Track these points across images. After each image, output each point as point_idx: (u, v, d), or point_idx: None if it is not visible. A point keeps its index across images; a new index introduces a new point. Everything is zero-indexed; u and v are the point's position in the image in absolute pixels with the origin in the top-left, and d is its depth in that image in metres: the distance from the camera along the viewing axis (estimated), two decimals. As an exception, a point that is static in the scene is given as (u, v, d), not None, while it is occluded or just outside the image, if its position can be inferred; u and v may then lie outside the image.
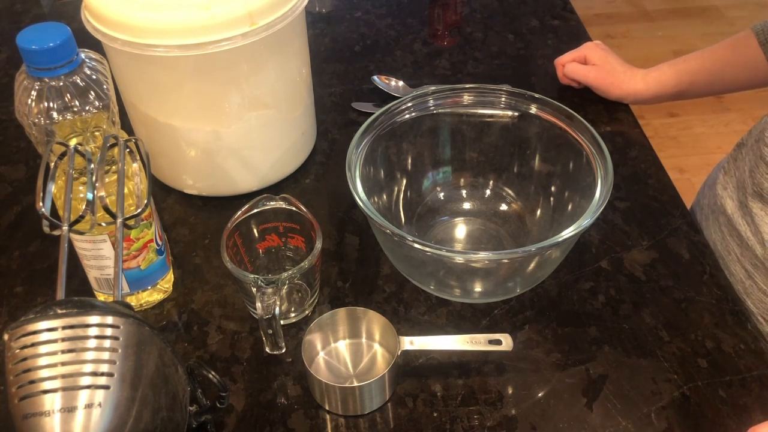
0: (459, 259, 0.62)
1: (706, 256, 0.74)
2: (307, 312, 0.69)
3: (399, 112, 0.72)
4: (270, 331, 0.60)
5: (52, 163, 0.52)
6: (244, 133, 0.74)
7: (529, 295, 0.70)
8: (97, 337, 0.43)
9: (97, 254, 0.63)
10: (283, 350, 0.63)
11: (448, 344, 0.62)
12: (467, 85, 0.74)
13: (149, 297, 0.69)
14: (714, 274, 0.72)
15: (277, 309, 0.58)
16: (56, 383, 0.41)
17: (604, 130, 0.89)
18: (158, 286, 0.69)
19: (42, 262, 0.75)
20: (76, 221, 0.51)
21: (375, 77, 0.96)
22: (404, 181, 0.76)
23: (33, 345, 0.42)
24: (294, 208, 0.67)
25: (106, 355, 0.43)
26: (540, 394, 0.62)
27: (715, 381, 0.63)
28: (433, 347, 0.62)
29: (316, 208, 0.80)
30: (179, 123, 0.73)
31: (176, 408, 0.47)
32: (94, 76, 0.58)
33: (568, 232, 0.60)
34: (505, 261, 0.62)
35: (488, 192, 0.78)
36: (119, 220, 0.52)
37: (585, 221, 0.60)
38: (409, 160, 0.76)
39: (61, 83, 0.56)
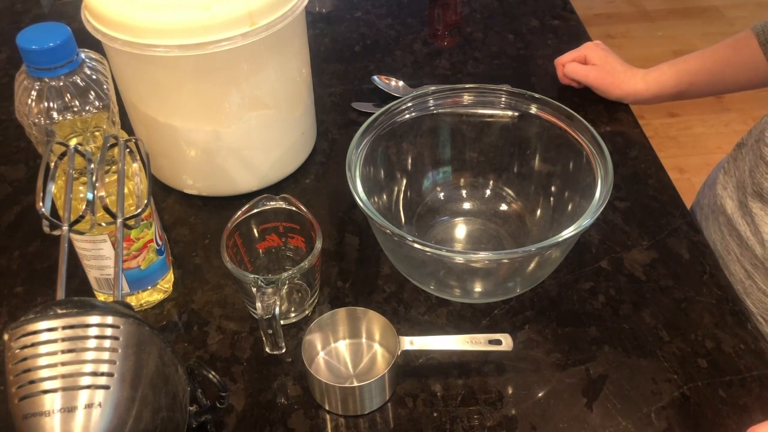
0: (459, 259, 0.62)
1: (706, 256, 0.74)
2: (307, 312, 0.69)
3: (399, 112, 0.72)
4: (270, 331, 0.60)
5: (52, 163, 0.52)
6: (244, 133, 0.74)
7: (529, 295, 0.70)
8: (97, 337, 0.43)
9: (97, 254, 0.63)
10: (283, 350, 0.63)
11: (448, 344, 0.62)
12: (467, 85, 0.74)
13: (149, 297, 0.69)
14: (714, 274, 0.72)
15: (277, 309, 0.58)
16: (56, 383, 0.41)
17: (604, 130, 0.89)
18: (158, 286, 0.69)
19: (42, 262, 0.75)
20: (76, 221, 0.51)
21: (375, 77, 0.96)
22: (404, 181, 0.76)
23: (33, 345, 0.42)
24: (294, 208, 0.67)
25: (106, 355, 0.43)
26: (540, 394, 0.62)
27: (715, 381, 0.63)
28: (433, 347, 0.62)
29: (316, 208, 0.80)
30: (179, 123, 0.73)
31: (176, 408, 0.47)
32: (94, 76, 0.58)
33: (568, 232, 0.60)
34: (505, 261, 0.62)
35: (488, 192, 0.78)
36: (119, 220, 0.52)
37: (585, 221, 0.60)
38: (409, 160, 0.76)
39: (61, 83, 0.56)
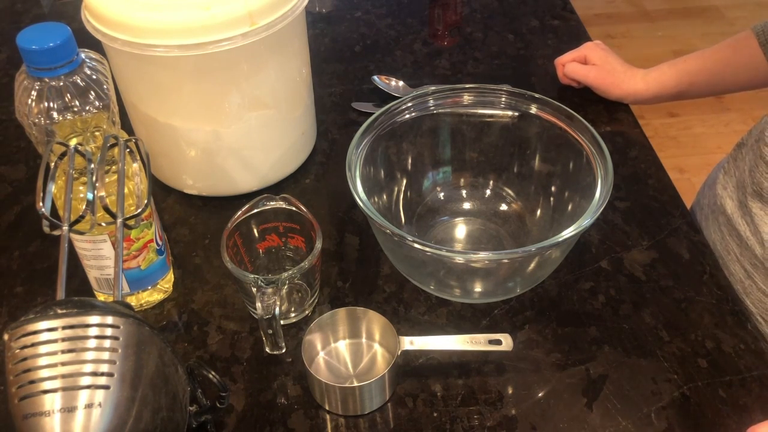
0: (459, 259, 0.62)
1: (706, 256, 0.74)
2: (307, 312, 0.69)
3: (399, 112, 0.72)
4: (270, 331, 0.60)
5: (52, 163, 0.52)
6: (244, 133, 0.74)
7: (529, 295, 0.70)
8: (97, 337, 0.43)
9: (97, 254, 0.63)
10: (283, 350, 0.63)
11: (448, 344, 0.62)
12: (467, 85, 0.74)
13: (149, 297, 0.69)
14: (714, 274, 0.72)
15: (277, 309, 0.58)
16: (56, 383, 0.41)
17: (604, 130, 0.89)
18: (158, 286, 0.69)
19: (42, 262, 0.75)
20: (76, 221, 0.51)
21: (375, 77, 0.96)
22: (404, 181, 0.76)
23: (33, 345, 0.42)
24: (294, 208, 0.67)
25: (106, 355, 0.43)
26: (540, 394, 0.62)
27: (715, 381, 0.63)
28: (433, 347, 0.62)
29: (316, 208, 0.80)
30: (179, 123, 0.73)
31: (176, 408, 0.47)
32: (94, 76, 0.58)
33: (568, 232, 0.60)
34: (505, 261, 0.62)
35: (488, 192, 0.78)
36: (119, 220, 0.52)
37: (585, 221, 0.60)
38: (409, 160, 0.76)
39: (61, 83, 0.56)
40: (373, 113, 0.71)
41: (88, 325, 0.43)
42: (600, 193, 0.63)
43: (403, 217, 0.75)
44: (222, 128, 0.73)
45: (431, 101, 0.74)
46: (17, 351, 0.42)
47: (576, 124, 0.69)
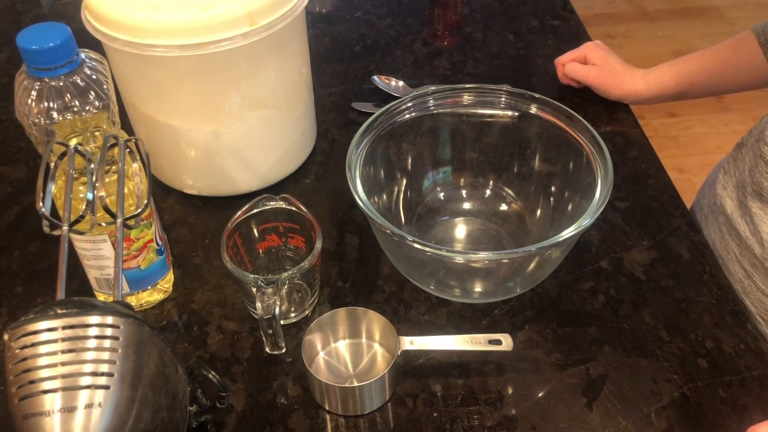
0: (459, 259, 0.62)
1: (706, 256, 0.74)
2: (307, 312, 0.69)
3: (399, 112, 0.72)
4: (270, 331, 0.60)
5: (52, 163, 0.52)
6: (244, 133, 0.74)
7: (529, 295, 0.70)
8: (97, 337, 0.43)
9: (97, 254, 0.63)
10: (283, 350, 0.63)
11: (448, 344, 0.62)
12: (467, 85, 0.74)
13: (149, 297, 0.69)
14: (714, 274, 0.72)
15: (277, 309, 0.58)
16: (56, 383, 0.41)
17: (604, 130, 0.89)
18: (158, 286, 0.69)
19: (42, 262, 0.75)
20: (76, 221, 0.51)
21: (375, 77, 0.96)
22: (404, 181, 0.76)
23: (33, 345, 0.42)
24: (294, 208, 0.67)
25: (106, 355, 0.43)
26: (540, 394, 0.62)
27: (715, 381, 0.63)
28: (433, 347, 0.62)
29: (316, 208, 0.80)
30: (179, 123, 0.73)
31: (176, 408, 0.47)
32: (94, 76, 0.58)
33: (568, 232, 0.60)
34: (505, 261, 0.62)
35: (488, 192, 0.78)
36: (119, 220, 0.52)
37: (585, 221, 0.60)
38: (409, 160, 0.76)
39: (61, 83, 0.56)
40: (373, 113, 0.71)
41: (88, 325, 0.43)
42: (600, 193, 0.63)
43: (403, 217, 0.75)
44: (222, 128, 0.73)
45: (431, 101, 0.74)
46: (17, 351, 0.42)
47: (576, 124, 0.69)
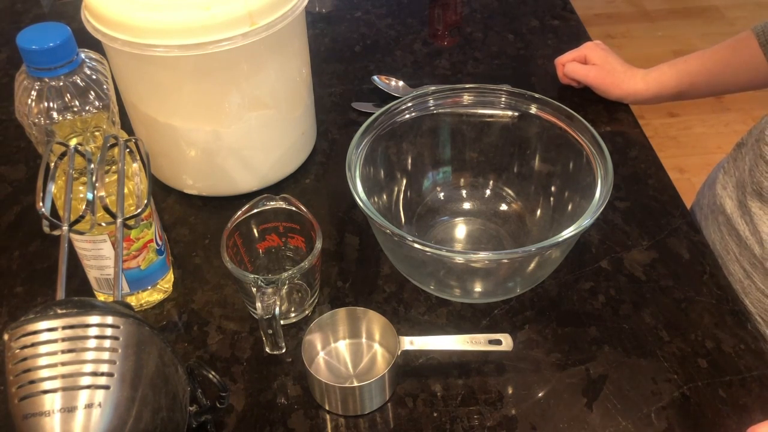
0: (459, 259, 0.62)
1: (706, 256, 0.74)
2: (307, 312, 0.69)
3: (399, 112, 0.72)
4: (270, 331, 0.60)
5: (52, 163, 0.52)
6: (244, 133, 0.74)
7: (529, 295, 0.70)
8: (97, 337, 0.43)
9: (97, 254, 0.63)
10: (283, 350, 0.63)
11: (448, 344, 0.62)
12: (467, 85, 0.74)
13: (149, 297, 0.69)
14: (714, 274, 0.72)
15: (277, 309, 0.58)
16: (56, 383, 0.41)
17: (604, 130, 0.89)
18: (158, 286, 0.69)
19: (42, 262, 0.75)
20: (76, 221, 0.51)
21: (375, 77, 0.96)
22: (404, 181, 0.76)
23: (33, 345, 0.42)
24: (294, 208, 0.67)
25: (106, 355, 0.43)
26: (540, 394, 0.62)
27: (715, 381, 0.63)
28: (433, 347, 0.62)
29: (316, 208, 0.80)
30: (179, 123, 0.73)
31: (176, 408, 0.47)
32: (94, 76, 0.58)
33: (568, 232, 0.60)
34: (505, 261, 0.62)
35: (488, 192, 0.78)
36: (119, 220, 0.52)
37: (585, 221, 0.60)
38: (409, 160, 0.76)
39: (61, 83, 0.56)
40: (373, 113, 0.71)
41: (88, 325, 0.43)
42: (600, 193, 0.63)
43: (403, 217, 0.75)
44: (222, 128, 0.73)
45: (431, 101, 0.74)
46: (17, 351, 0.42)
47: (576, 124, 0.69)
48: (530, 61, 1.02)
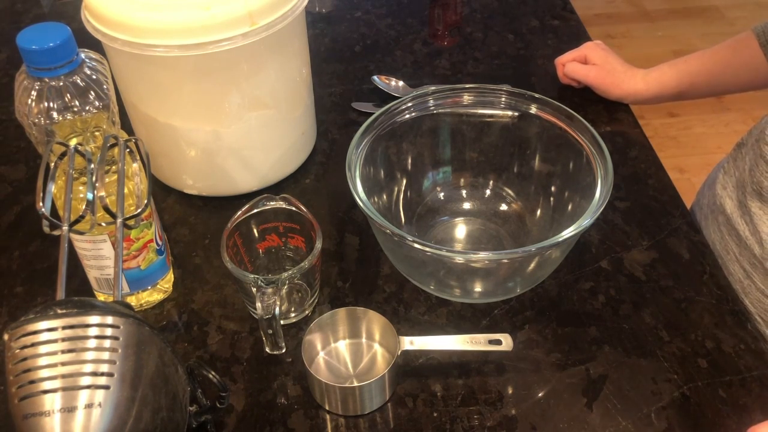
0: (459, 259, 0.62)
1: (706, 256, 0.74)
2: (307, 312, 0.69)
3: (399, 112, 0.72)
4: (270, 331, 0.60)
5: (52, 163, 0.52)
6: (244, 133, 0.74)
7: (529, 295, 0.70)
8: (97, 337, 0.43)
9: (97, 254, 0.63)
10: (283, 350, 0.63)
11: (448, 344, 0.62)
12: (467, 85, 0.74)
13: (149, 297, 0.69)
14: (714, 274, 0.72)
15: (277, 309, 0.58)
16: (56, 383, 0.41)
17: (604, 130, 0.89)
18: (158, 286, 0.69)
19: (42, 262, 0.75)
20: (76, 221, 0.51)
21: (375, 77, 0.96)
22: (404, 181, 0.76)
23: (33, 345, 0.42)
24: (294, 208, 0.67)
25: (106, 355, 0.43)
26: (540, 394, 0.62)
27: (715, 381, 0.63)
28: (433, 347, 0.62)
29: (316, 208, 0.80)
30: (179, 123, 0.73)
31: (176, 408, 0.47)
32: (94, 76, 0.58)
33: (568, 232, 0.60)
34: (505, 261, 0.62)
35: (488, 192, 0.78)
36: (119, 220, 0.52)
37: (585, 221, 0.60)
38: (409, 160, 0.76)
39: (61, 83, 0.56)
40: (373, 113, 0.71)
41: (88, 325, 0.43)
42: (600, 193, 0.63)
43: (403, 217, 0.75)
44: (222, 128, 0.73)
45: (431, 101, 0.74)
46: (17, 351, 0.42)
47: (576, 124, 0.69)
48: (530, 61, 1.02)
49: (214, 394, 0.56)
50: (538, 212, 0.75)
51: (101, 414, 0.41)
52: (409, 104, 0.73)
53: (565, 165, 0.71)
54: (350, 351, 0.65)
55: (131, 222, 0.54)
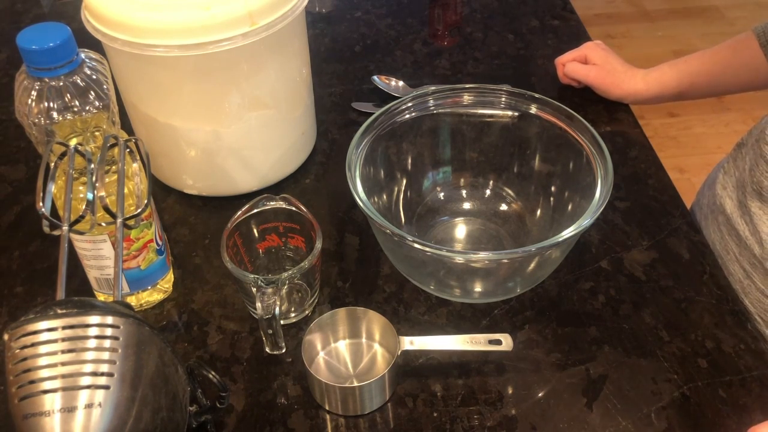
0: (459, 259, 0.62)
1: (706, 256, 0.74)
2: (307, 312, 0.69)
3: (399, 112, 0.72)
4: (270, 331, 0.60)
5: (52, 163, 0.52)
6: (244, 133, 0.74)
7: (529, 295, 0.70)
8: (97, 337, 0.43)
9: (97, 254, 0.63)
10: (283, 350, 0.63)
11: (448, 344, 0.62)
12: (467, 85, 0.74)
13: (149, 297, 0.69)
14: (714, 274, 0.72)
15: (277, 309, 0.58)
16: (56, 383, 0.41)
17: (604, 130, 0.89)
18: (158, 286, 0.69)
19: (42, 262, 0.75)
20: (76, 221, 0.51)
21: (375, 77, 0.96)
22: (404, 181, 0.76)
23: (33, 345, 0.42)
24: (294, 208, 0.67)
25: (106, 355, 0.43)
26: (540, 394, 0.62)
27: (715, 381, 0.63)
28: (433, 347, 0.62)
29: (316, 208, 0.80)
30: (179, 123, 0.73)
31: (176, 408, 0.47)
32: (94, 76, 0.58)
33: (568, 232, 0.60)
34: (505, 261, 0.62)
35: (488, 192, 0.78)
36: (119, 220, 0.52)
37: (585, 221, 0.60)
38: (409, 160, 0.76)
39: (61, 83, 0.56)
40: (373, 113, 0.71)
41: (88, 325, 0.43)
42: (600, 193, 0.63)
43: (403, 217, 0.75)
44: (222, 128, 0.73)
45: (431, 101, 0.74)
46: (17, 351, 0.42)
47: (576, 124, 0.69)
48: (530, 61, 1.02)
49: (214, 394, 0.56)
50: (538, 212, 0.75)
51: (101, 414, 0.41)
52: (409, 104, 0.73)
53: (565, 165, 0.71)
54: (350, 351, 0.65)
55: (131, 222, 0.54)
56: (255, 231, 0.68)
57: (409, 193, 0.76)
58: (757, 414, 0.61)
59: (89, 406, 0.41)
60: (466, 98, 0.74)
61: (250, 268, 0.69)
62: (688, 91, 0.88)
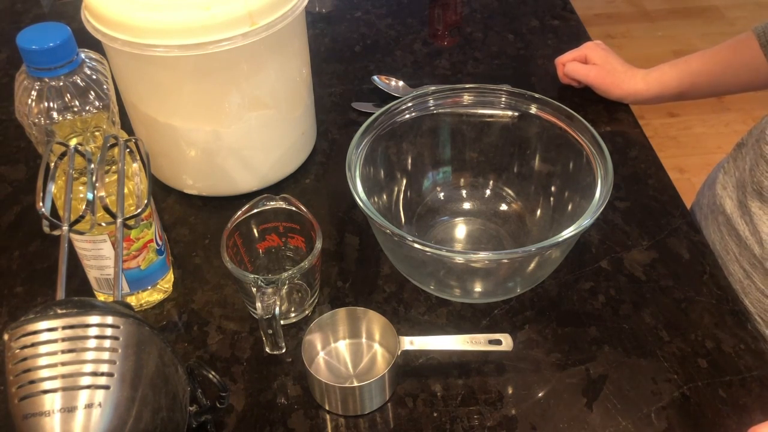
0: (459, 259, 0.62)
1: (706, 256, 0.74)
2: (307, 312, 0.69)
3: (399, 112, 0.72)
4: (270, 331, 0.60)
5: (52, 163, 0.52)
6: (244, 133, 0.74)
7: (529, 295, 0.70)
8: (97, 337, 0.43)
9: (97, 254, 0.63)
10: (283, 350, 0.63)
11: (448, 344, 0.62)
12: (467, 85, 0.74)
13: (149, 297, 0.69)
14: (714, 274, 0.72)
15: (277, 309, 0.58)
16: (56, 383, 0.41)
17: (604, 130, 0.89)
18: (158, 286, 0.69)
19: (42, 262, 0.75)
20: (76, 221, 0.51)
21: (375, 77, 0.96)
22: (404, 181, 0.76)
23: (33, 345, 0.42)
24: (294, 208, 0.67)
25: (106, 355, 0.43)
26: (540, 394, 0.62)
27: (715, 381, 0.63)
28: (433, 347, 0.62)
29: (316, 208, 0.80)
30: (179, 123, 0.73)
31: (176, 408, 0.47)
32: (94, 76, 0.58)
33: (568, 232, 0.60)
34: (505, 261, 0.62)
35: (488, 192, 0.78)
36: (119, 220, 0.52)
37: (585, 221, 0.60)
38: (409, 160, 0.76)
39: (61, 83, 0.56)
40: (373, 113, 0.71)
41: (88, 325, 0.43)
42: (600, 193, 0.63)
43: (403, 217, 0.75)
44: (222, 128, 0.73)
45: (431, 101, 0.74)
46: (17, 351, 0.42)
47: (576, 124, 0.69)
48: (530, 61, 1.02)
49: (214, 394, 0.56)
50: (538, 212, 0.75)
51: (101, 414, 0.41)
52: (409, 104, 0.73)
53: (565, 165, 0.71)
54: (350, 351, 0.65)
55: (131, 222, 0.54)
56: (255, 231, 0.68)
57: (409, 193, 0.76)
58: (757, 414, 0.61)
59: (89, 406, 0.41)
60: (466, 98, 0.74)
61: (250, 268, 0.69)
62: (689, 91, 0.88)
